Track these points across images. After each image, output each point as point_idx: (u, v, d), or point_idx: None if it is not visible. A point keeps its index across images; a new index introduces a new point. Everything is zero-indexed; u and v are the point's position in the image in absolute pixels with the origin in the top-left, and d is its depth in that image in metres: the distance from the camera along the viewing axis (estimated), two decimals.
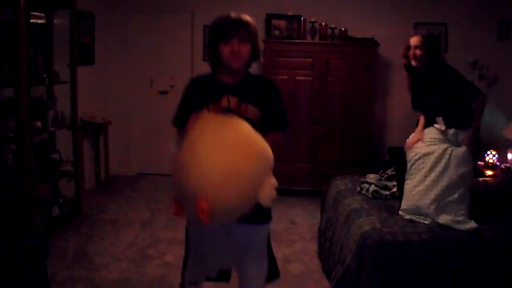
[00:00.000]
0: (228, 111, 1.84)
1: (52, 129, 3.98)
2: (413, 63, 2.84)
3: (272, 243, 3.73)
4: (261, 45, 4.99)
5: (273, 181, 1.70)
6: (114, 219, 4.19)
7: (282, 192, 5.64)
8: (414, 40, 2.83)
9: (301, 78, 4.86)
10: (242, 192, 1.61)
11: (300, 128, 4.92)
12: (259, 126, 1.84)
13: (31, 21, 3.69)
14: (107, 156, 5.08)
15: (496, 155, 4.44)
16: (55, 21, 4.16)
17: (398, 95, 5.32)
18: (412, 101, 3.06)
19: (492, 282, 2.51)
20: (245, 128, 1.69)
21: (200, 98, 1.89)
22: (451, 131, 2.85)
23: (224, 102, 1.86)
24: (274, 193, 1.70)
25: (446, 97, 2.82)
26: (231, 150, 1.61)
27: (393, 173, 3.59)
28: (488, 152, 4.49)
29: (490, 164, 4.41)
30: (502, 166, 4.31)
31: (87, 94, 4.68)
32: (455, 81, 2.81)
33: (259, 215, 1.82)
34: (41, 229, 3.56)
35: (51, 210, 3.86)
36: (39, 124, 3.75)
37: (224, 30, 1.84)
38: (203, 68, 5.92)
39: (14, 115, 3.40)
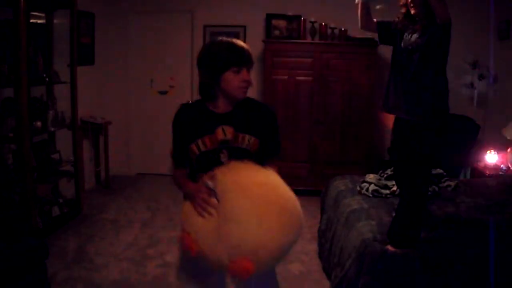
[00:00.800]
0: (224, 143, 1.77)
1: (52, 129, 3.98)
2: (413, 11, 2.53)
3: None
4: (261, 45, 5.03)
5: None
6: (114, 219, 4.19)
7: None
8: None
9: (301, 78, 4.86)
10: (278, 259, 1.66)
11: (300, 128, 4.92)
12: (255, 154, 1.81)
13: (31, 21, 3.69)
14: (107, 156, 5.08)
15: (496, 155, 4.44)
16: (55, 21, 4.16)
17: None
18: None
19: (491, 285, 2.50)
20: (276, 181, 1.65)
21: (192, 129, 1.79)
22: None
23: (220, 134, 1.77)
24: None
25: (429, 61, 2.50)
26: (275, 213, 1.56)
27: (393, 173, 3.60)
28: (490, 152, 4.49)
29: (490, 164, 4.41)
30: (502, 166, 4.31)
31: (87, 94, 4.68)
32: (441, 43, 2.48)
33: None
34: (41, 229, 3.56)
35: (51, 210, 3.85)
36: (39, 124, 3.75)
37: (235, 58, 1.70)
38: None
39: (14, 115, 3.40)
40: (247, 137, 1.79)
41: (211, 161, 1.75)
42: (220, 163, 1.73)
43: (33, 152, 3.61)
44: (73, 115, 4.09)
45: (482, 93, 4.98)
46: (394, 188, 3.29)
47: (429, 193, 3.25)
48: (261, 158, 1.80)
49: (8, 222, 3.09)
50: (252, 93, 5.88)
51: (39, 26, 4.01)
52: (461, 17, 5.11)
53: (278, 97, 4.88)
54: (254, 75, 5.31)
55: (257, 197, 1.55)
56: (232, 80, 1.72)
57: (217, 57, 1.71)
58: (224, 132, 1.77)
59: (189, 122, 1.81)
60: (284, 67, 4.85)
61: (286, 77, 4.85)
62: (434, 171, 3.58)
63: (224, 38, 1.77)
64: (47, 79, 3.88)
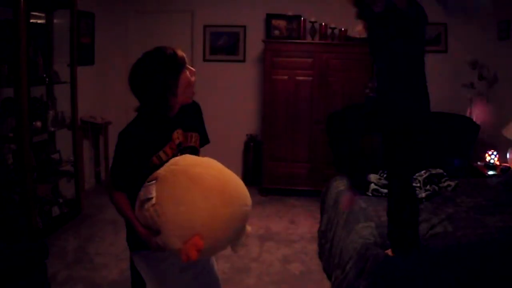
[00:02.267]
0: (179, 146, 1.78)
1: (52, 129, 3.98)
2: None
3: (272, 243, 3.76)
4: (261, 45, 5.03)
5: (248, 228, 1.72)
6: (114, 219, 4.18)
7: (282, 192, 5.63)
8: None
9: (301, 78, 4.86)
10: (230, 240, 1.63)
11: (300, 128, 4.92)
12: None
13: (31, 21, 3.69)
14: (107, 156, 5.08)
15: (496, 155, 4.44)
16: (55, 21, 4.16)
17: None
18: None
19: (493, 284, 2.50)
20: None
21: (151, 142, 1.72)
22: None
23: (176, 139, 1.77)
24: (245, 241, 1.73)
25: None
26: (221, 194, 1.58)
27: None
28: (490, 152, 4.49)
29: (490, 164, 4.41)
30: (502, 166, 4.31)
31: (87, 94, 4.68)
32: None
33: None
34: (41, 229, 3.56)
35: (51, 210, 3.85)
36: (39, 124, 3.75)
37: (182, 59, 1.72)
38: (203, 67, 5.94)
39: (14, 115, 3.40)
40: (193, 135, 1.84)
41: None
42: None
43: (33, 152, 3.61)
44: (73, 115, 4.09)
45: (482, 93, 4.98)
46: None
47: (429, 193, 3.26)
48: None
49: (8, 222, 3.10)
50: (252, 93, 5.90)
51: (39, 26, 4.01)
52: (461, 17, 5.12)
53: (278, 97, 4.88)
54: (254, 75, 5.34)
55: (197, 176, 1.57)
56: (188, 77, 1.73)
57: (172, 57, 1.68)
58: (178, 135, 1.78)
59: (146, 136, 1.72)
60: (284, 67, 4.85)
61: (286, 77, 4.85)
62: (434, 171, 3.58)
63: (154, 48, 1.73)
64: (47, 79, 3.89)
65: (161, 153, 1.73)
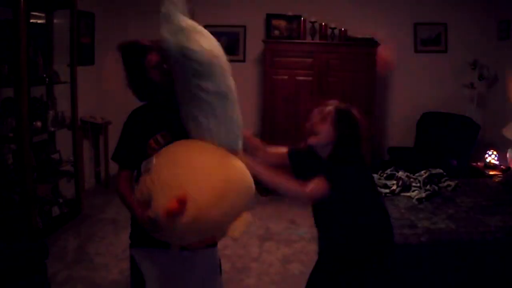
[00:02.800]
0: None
1: (52, 129, 3.98)
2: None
3: (272, 243, 3.76)
4: (261, 45, 5.03)
5: (249, 216, 1.59)
6: (114, 219, 4.18)
7: None
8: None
9: (301, 78, 4.85)
10: (225, 216, 1.50)
11: (300, 128, 4.90)
12: None
13: (31, 21, 3.69)
14: (107, 156, 5.07)
15: (496, 155, 4.45)
16: (55, 21, 4.16)
17: (398, 95, 5.33)
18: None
19: (493, 285, 2.51)
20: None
21: (153, 124, 1.77)
22: None
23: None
24: (245, 228, 1.57)
25: None
26: (225, 172, 1.52)
27: (393, 172, 3.60)
28: (490, 152, 4.49)
29: (490, 164, 4.42)
30: (502, 166, 4.32)
31: (87, 94, 4.67)
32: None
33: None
34: (41, 229, 3.56)
35: (51, 210, 3.85)
36: (39, 124, 3.75)
37: (145, 45, 1.87)
38: None
39: (14, 115, 3.40)
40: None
41: None
42: None
43: (33, 152, 3.61)
44: (73, 115, 4.09)
45: (482, 93, 4.98)
46: (394, 187, 3.29)
47: (429, 193, 3.26)
48: None
49: (8, 222, 3.09)
50: (252, 93, 5.89)
51: (39, 26, 4.01)
52: (461, 16, 5.13)
53: (278, 97, 4.88)
54: (254, 75, 5.34)
55: (198, 145, 1.58)
56: (152, 59, 1.81)
57: (133, 45, 1.90)
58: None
59: (146, 117, 1.80)
60: (284, 67, 4.85)
61: (286, 77, 4.85)
62: (434, 171, 3.58)
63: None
64: (47, 79, 3.88)
65: (158, 136, 1.74)
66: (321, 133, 1.89)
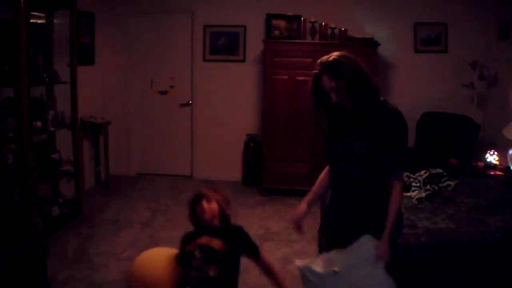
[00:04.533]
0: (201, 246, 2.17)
1: (52, 129, 3.98)
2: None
3: (272, 243, 3.76)
4: (261, 45, 5.03)
5: None
6: (114, 219, 4.19)
7: (282, 192, 5.61)
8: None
9: (301, 78, 4.84)
10: None
11: (300, 128, 4.91)
12: None
13: (31, 21, 3.69)
14: (107, 156, 5.08)
15: (497, 155, 4.44)
16: (55, 21, 4.16)
17: (398, 95, 5.32)
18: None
19: (491, 285, 2.50)
20: None
21: None
22: None
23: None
24: None
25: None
26: None
27: None
28: (490, 152, 4.49)
29: (490, 164, 4.41)
30: (502, 166, 4.31)
31: (87, 94, 4.68)
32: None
33: None
34: (41, 229, 3.56)
35: (51, 210, 3.85)
36: (39, 124, 3.75)
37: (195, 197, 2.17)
38: (203, 67, 5.93)
39: (14, 115, 3.40)
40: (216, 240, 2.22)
41: None
42: None
43: (33, 152, 3.61)
44: (73, 115, 4.09)
45: (482, 93, 4.98)
46: None
47: (429, 193, 3.26)
48: None
49: (8, 222, 3.10)
50: (253, 93, 5.89)
51: (39, 26, 4.01)
52: (461, 16, 5.13)
53: (278, 97, 4.88)
54: (254, 75, 5.34)
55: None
56: (201, 207, 2.19)
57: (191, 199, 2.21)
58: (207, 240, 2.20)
59: None
60: (284, 67, 4.85)
61: (286, 77, 4.85)
62: (434, 171, 3.58)
63: None
64: (47, 79, 3.88)
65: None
66: (334, 89, 2.02)
